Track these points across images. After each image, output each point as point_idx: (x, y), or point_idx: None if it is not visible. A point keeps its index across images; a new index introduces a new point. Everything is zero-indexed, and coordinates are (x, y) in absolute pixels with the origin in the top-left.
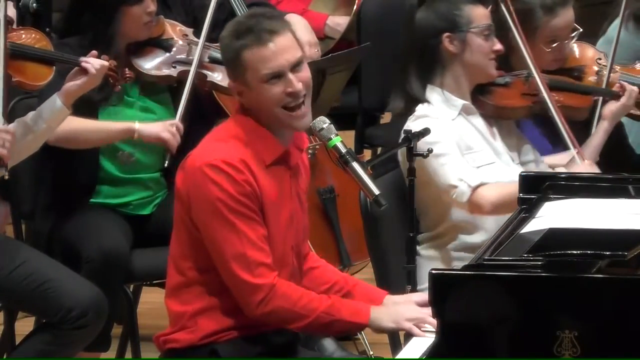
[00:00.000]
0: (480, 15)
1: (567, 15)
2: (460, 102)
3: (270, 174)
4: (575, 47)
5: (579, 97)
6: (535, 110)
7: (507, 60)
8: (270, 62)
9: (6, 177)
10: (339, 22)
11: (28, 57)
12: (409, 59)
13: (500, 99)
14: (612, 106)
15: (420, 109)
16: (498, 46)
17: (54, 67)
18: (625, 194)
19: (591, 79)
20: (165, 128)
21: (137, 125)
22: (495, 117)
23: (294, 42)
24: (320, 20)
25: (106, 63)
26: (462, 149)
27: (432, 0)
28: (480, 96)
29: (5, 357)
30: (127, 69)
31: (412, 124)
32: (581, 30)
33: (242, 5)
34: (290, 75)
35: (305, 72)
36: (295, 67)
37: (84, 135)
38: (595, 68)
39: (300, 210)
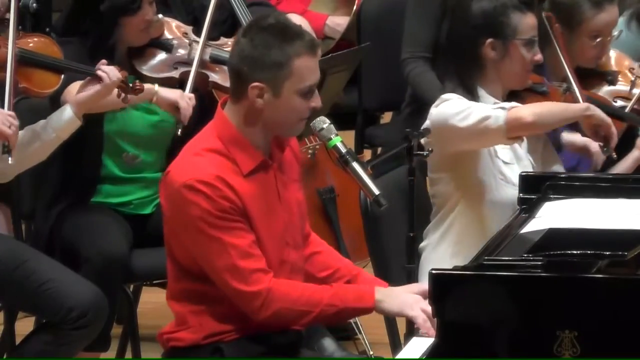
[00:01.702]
0: (528, 25)
1: (612, 11)
2: (492, 101)
3: (251, 181)
4: (611, 53)
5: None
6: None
7: (541, 66)
8: (314, 74)
9: (10, 161)
10: (338, 22)
11: (36, 64)
12: (451, 47)
13: None
14: None
15: (445, 94)
16: (539, 56)
17: (62, 75)
18: (625, 194)
19: (623, 87)
20: (182, 96)
21: (156, 88)
22: None
23: None
24: (320, 20)
25: (119, 74)
26: None
27: None
28: (515, 101)
29: (5, 357)
30: (137, 82)
31: (434, 110)
32: (622, 30)
33: (242, 5)
34: (316, 91)
35: None
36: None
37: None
38: (630, 77)
39: (293, 202)
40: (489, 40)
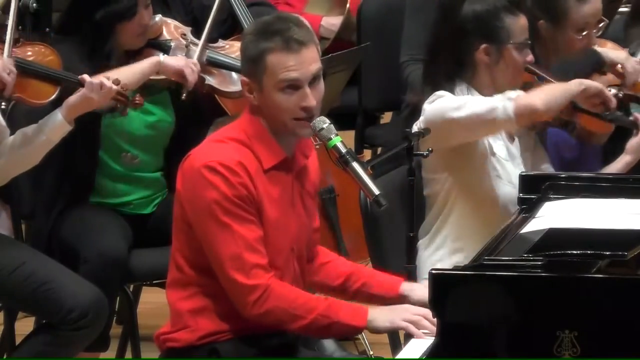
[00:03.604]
0: (520, 28)
1: (596, 2)
2: None
3: (269, 178)
4: (598, 43)
5: (601, 123)
6: (551, 125)
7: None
8: (291, 71)
9: (2, 107)
10: (333, 22)
11: (32, 74)
12: (440, 49)
13: None
14: (634, 141)
15: (439, 92)
16: (530, 57)
17: (59, 86)
18: (625, 194)
19: (612, 77)
20: (187, 64)
21: (161, 58)
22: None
23: (317, 55)
24: (315, 22)
25: (108, 83)
26: None
27: None
28: None
29: (5, 357)
30: (137, 95)
31: (429, 106)
32: (608, 21)
33: (242, 5)
34: (307, 90)
35: (321, 85)
36: (313, 80)
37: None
38: (619, 65)
39: (304, 214)
40: (484, 45)
